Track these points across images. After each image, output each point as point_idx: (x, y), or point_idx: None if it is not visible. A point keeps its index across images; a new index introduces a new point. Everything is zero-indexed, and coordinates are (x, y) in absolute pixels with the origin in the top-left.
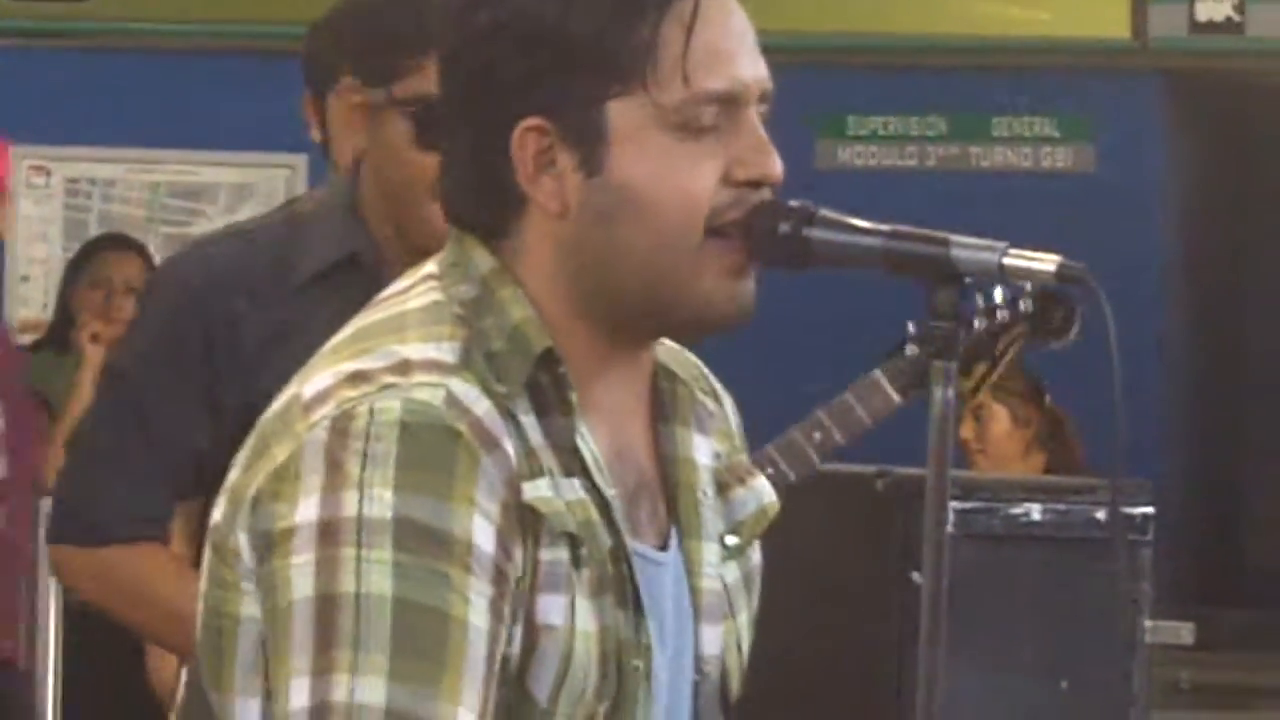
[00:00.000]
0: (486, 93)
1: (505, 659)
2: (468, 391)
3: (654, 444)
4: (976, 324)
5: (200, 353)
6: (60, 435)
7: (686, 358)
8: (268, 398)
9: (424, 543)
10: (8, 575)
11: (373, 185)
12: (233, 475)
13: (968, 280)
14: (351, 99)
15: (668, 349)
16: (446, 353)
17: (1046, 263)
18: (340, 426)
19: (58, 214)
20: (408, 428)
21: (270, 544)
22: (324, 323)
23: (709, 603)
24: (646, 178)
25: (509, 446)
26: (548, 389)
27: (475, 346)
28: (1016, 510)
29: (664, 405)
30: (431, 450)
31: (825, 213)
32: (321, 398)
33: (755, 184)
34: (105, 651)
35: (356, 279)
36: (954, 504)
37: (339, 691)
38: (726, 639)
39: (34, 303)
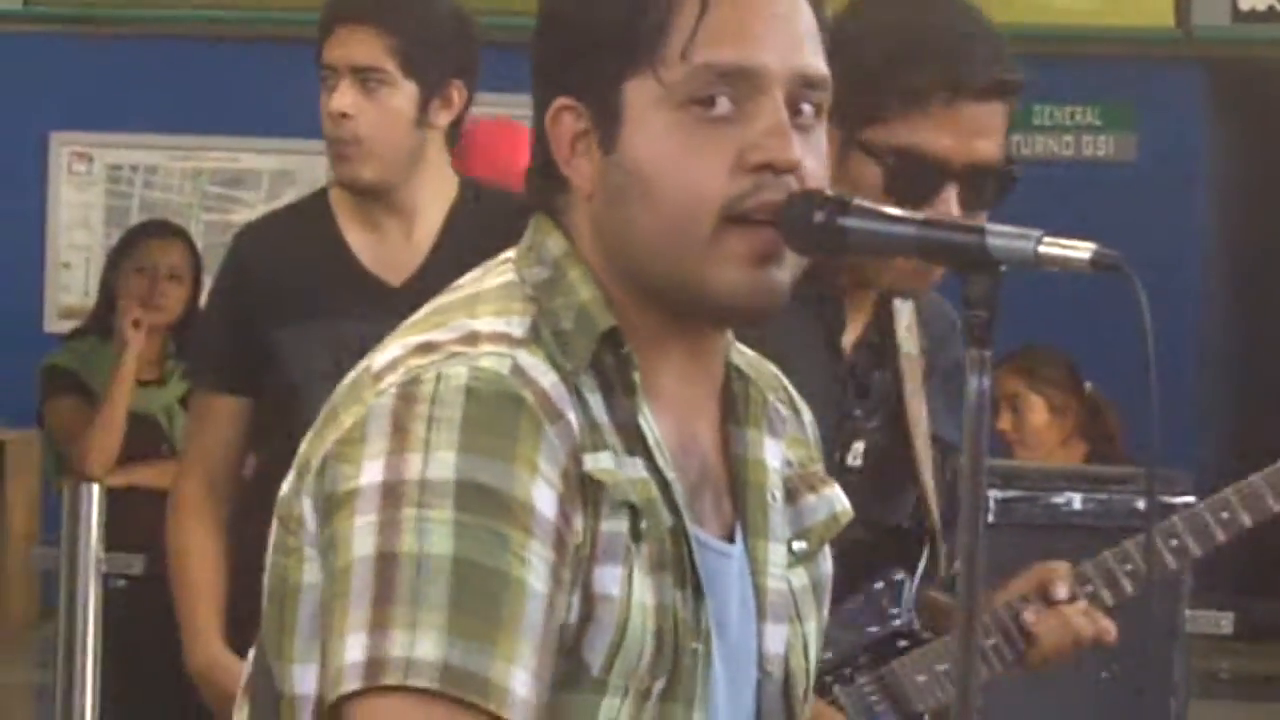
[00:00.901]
0: (535, 77)
1: (563, 627)
2: (534, 364)
3: (724, 443)
4: None
5: None
6: (102, 421)
7: (766, 367)
8: None
9: (485, 504)
10: None
11: None
12: (302, 446)
13: (1003, 269)
14: None
15: (747, 357)
16: (515, 327)
17: (1082, 250)
18: (407, 392)
19: (99, 200)
20: (473, 393)
21: (334, 505)
22: None
23: (774, 602)
24: (653, 159)
25: (573, 418)
26: (612, 369)
27: (544, 323)
28: (1058, 499)
29: (735, 407)
30: (496, 415)
31: (860, 202)
32: (390, 367)
33: (768, 169)
34: (143, 633)
35: None
36: (995, 493)
37: (396, 647)
38: (793, 642)
39: (75, 289)
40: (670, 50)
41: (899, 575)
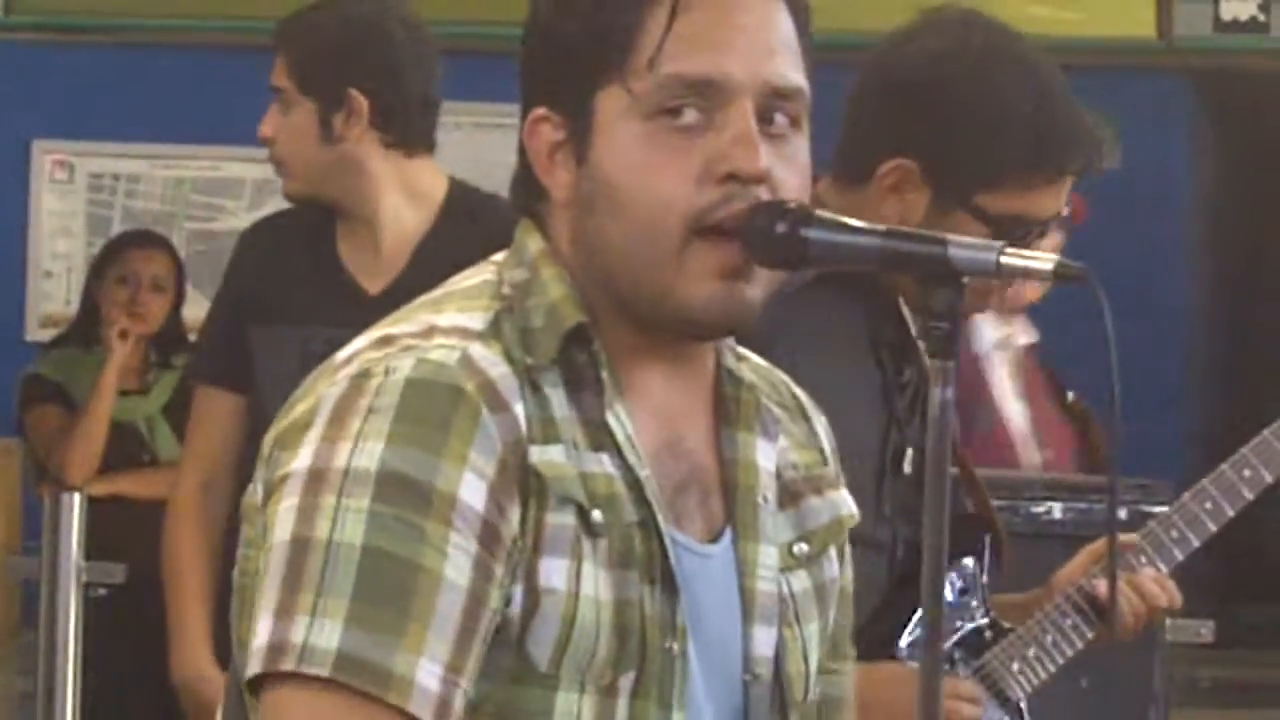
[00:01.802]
0: (520, 87)
1: (506, 620)
2: (486, 356)
3: (717, 445)
4: None
5: None
6: (83, 430)
7: (773, 374)
8: None
9: (405, 495)
10: None
11: None
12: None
13: (965, 280)
14: None
15: (751, 362)
16: (475, 321)
17: (1043, 262)
18: (355, 384)
19: (81, 209)
20: (413, 384)
21: (270, 489)
22: None
23: (762, 604)
24: (622, 169)
25: (520, 410)
26: (583, 366)
27: (510, 320)
28: (1038, 509)
29: (727, 409)
30: (431, 406)
31: (822, 213)
32: (348, 360)
33: (735, 179)
34: (124, 643)
35: None
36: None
37: (296, 632)
38: (788, 645)
39: (56, 298)
40: (638, 61)
41: (969, 564)
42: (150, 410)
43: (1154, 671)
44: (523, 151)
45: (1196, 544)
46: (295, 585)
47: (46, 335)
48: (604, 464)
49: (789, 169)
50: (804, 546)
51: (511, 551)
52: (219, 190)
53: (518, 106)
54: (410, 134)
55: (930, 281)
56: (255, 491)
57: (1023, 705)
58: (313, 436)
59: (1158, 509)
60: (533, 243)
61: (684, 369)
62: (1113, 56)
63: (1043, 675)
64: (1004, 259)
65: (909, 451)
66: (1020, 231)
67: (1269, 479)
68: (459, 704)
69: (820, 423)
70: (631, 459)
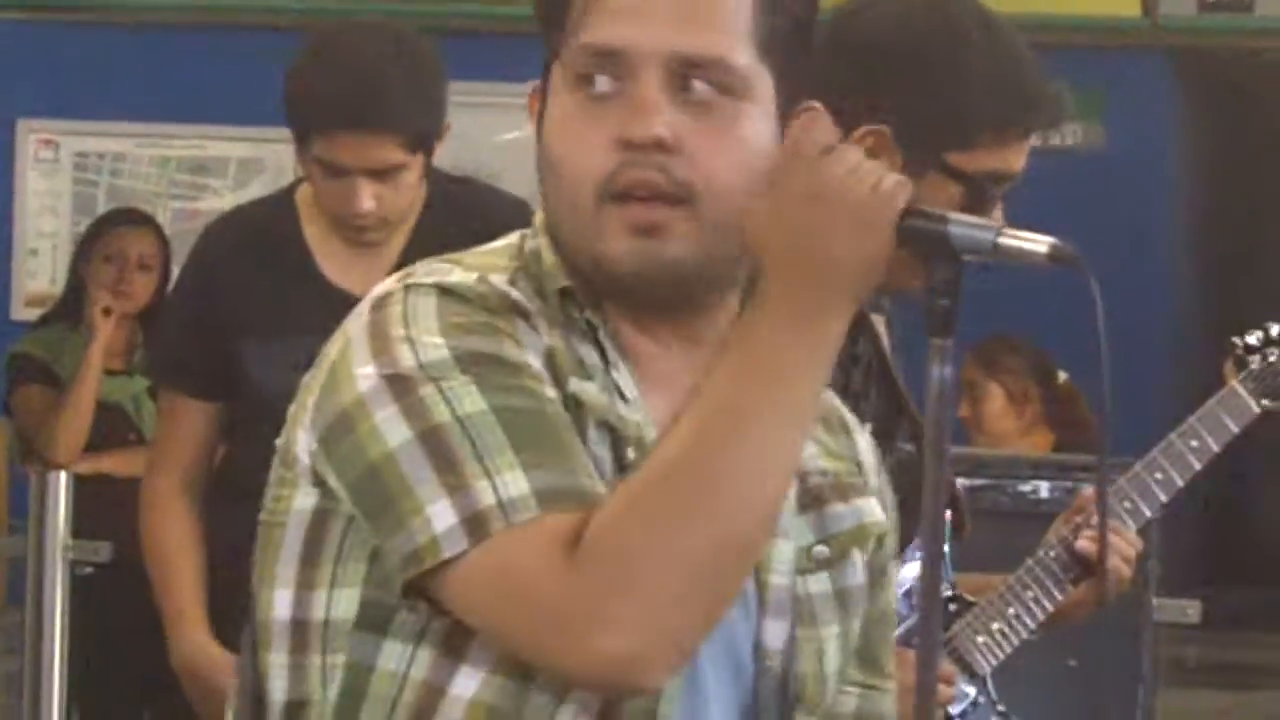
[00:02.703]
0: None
1: None
2: (506, 286)
3: None
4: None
5: None
6: (69, 408)
7: (828, 399)
8: None
9: (488, 365)
10: None
11: None
12: (300, 386)
13: (965, 258)
14: None
15: None
16: (496, 275)
17: (1039, 244)
18: (378, 304)
19: (66, 188)
20: (443, 289)
21: (346, 419)
22: None
23: (775, 598)
24: (555, 138)
25: (545, 334)
26: (585, 331)
27: (525, 279)
28: (1024, 487)
29: None
30: (468, 303)
31: None
32: (368, 298)
33: (628, 144)
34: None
35: None
36: (962, 481)
37: (485, 497)
38: (801, 644)
39: (42, 276)
40: (569, 31)
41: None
42: (136, 389)
43: (1141, 652)
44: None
45: (1149, 515)
46: (451, 466)
47: (32, 314)
48: (633, 410)
49: (713, 137)
50: (824, 550)
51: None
52: (204, 169)
53: (499, 85)
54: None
55: (931, 259)
56: (295, 434)
57: (988, 678)
58: (363, 358)
59: None
60: (540, 214)
61: (694, 352)
62: (1098, 35)
63: (1007, 649)
64: (1000, 240)
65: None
66: (992, 188)
67: (1215, 449)
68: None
69: (863, 439)
70: (639, 417)
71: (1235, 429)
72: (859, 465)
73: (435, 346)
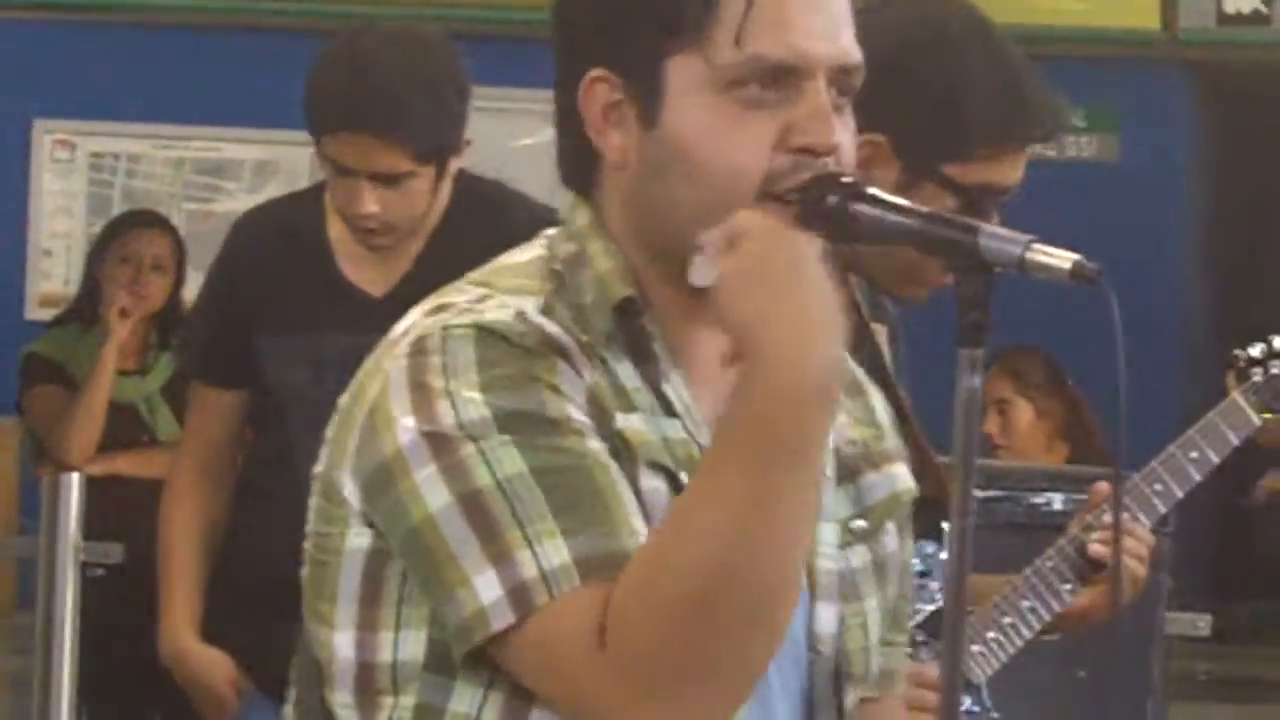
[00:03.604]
0: (564, 48)
1: None
2: (543, 320)
3: None
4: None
5: None
6: (83, 409)
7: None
8: None
9: (529, 425)
10: None
11: None
12: (333, 421)
13: (997, 270)
14: None
15: None
16: (528, 303)
17: (1063, 260)
18: (417, 349)
19: (81, 189)
20: (480, 335)
21: (385, 472)
22: None
23: (825, 582)
24: (697, 135)
25: (589, 378)
26: (636, 337)
27: (562, 300)
28: (1038, 500)
29: None
30: (506, 351)
31: (874, 191)
32: (406, 332)
33: (810, 151)
34: (121, 622)
35: None
36: (977, 493)
37: (528, 568)
38: (849, 622)
39: (56, 276)
40: (719, 34)
41: (930, 549)
42: (149, 390)
43: (1151, 664)
44: (568, 115)
45: (1148, 525)
46: (492, 533)
47: (46, 314)
48: (679, 429)
49: (850, 139)
50: (862, 523)
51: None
52: (218, 171)
53: (513, 90)
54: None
55: (961, 270)
56: (340, 476)
57: (982, 687)
58: (403, 409)
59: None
60: (580, 215)
61: None
62: (1117, 47)
63: (1002, 657)
64: (1028, 254)
65: None
66: (988, 201)
67: (1215, 460)
68: None
69: (876, 397)
70: (691, 427)
71: (1235, 441)
72: (880, 427)
73: (475, 404)
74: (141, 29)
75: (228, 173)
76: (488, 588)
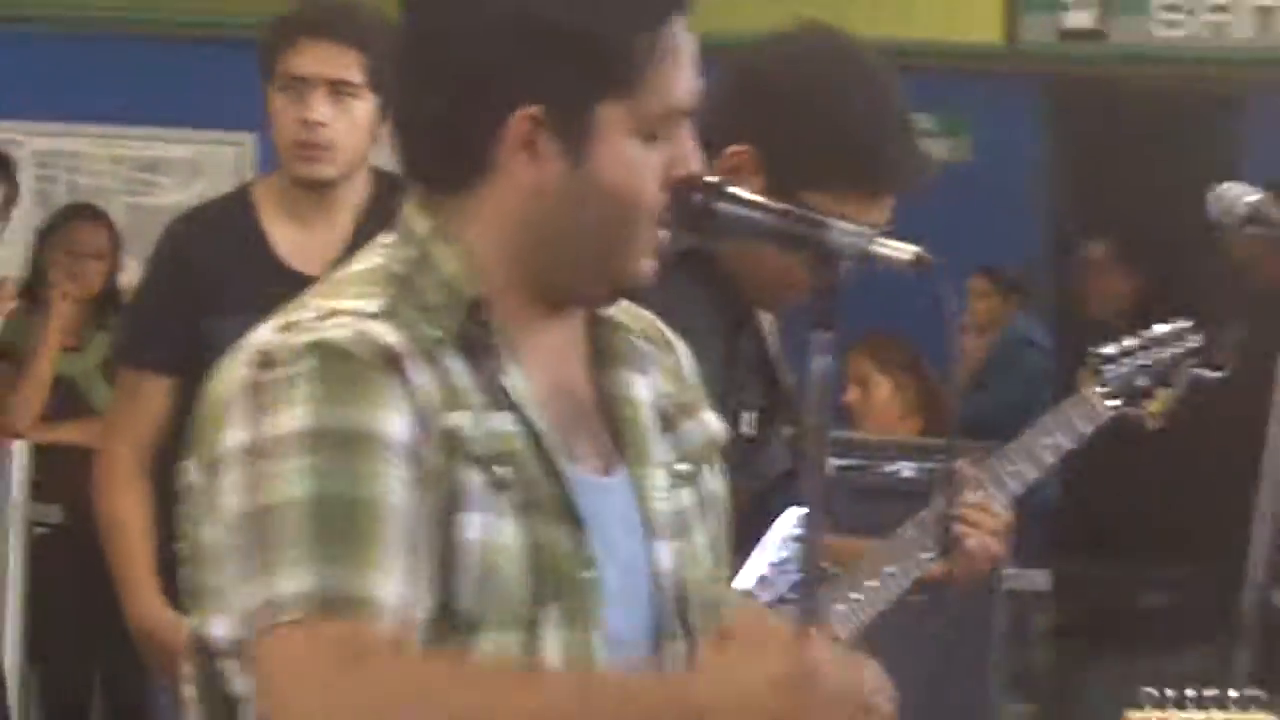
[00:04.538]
0: (483, 76)
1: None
2: (384, 331)
3: (594, 384)
4: (1152, 358)
5: None
6: (29, 379)
7: (638, 310)
8: None
9: (336, 444)
10: None
11: None
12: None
13: (845, 261)
14: None
15: (621, 305)
16: (371, 305)
17: (904, 253)
18: (261, 361)
19: (29, 184)
20: (320, 351)
21: (210, 468)
22: None
23: (661, 522)
24: (620, 175)
25: (421, 381)
26: (477, 336)
27: (405, 301)
28: (890, 468)
29: (603, 352)
30: (340, 367)
31: (734, 190)
32: (254, 345)
33: (686, 182)
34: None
35: None
36: (835, 460)
37: (273, 588)
38: (683, 556)
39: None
40: (648, 85)
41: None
42: (87, 365)
43: (992, 618)
44: (463, 128)
45: (1004, 502)
46: (259, 550)
47: None
48: (506, 423)
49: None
50: (686, 465)
51: (434, 484)
52: (154, 168)
53: None
54: None
55: (814, 260)
56: (190, 470)
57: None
58: (237, 415)
59: None
60: (419, 223)
61: (565, 324)
62: (965, 61)
63: (863, 617)
64: (873, 246)
65: (744, 414)
66: None
67: (1069, 446)
68: (418, 612)
69: (681, 350)
70: (530, 415)
71: (1086, 430)
72: (684, 380)
73: (297, 417)
74: (81, 36)
75: (162, 169)
76: (248, 597)
